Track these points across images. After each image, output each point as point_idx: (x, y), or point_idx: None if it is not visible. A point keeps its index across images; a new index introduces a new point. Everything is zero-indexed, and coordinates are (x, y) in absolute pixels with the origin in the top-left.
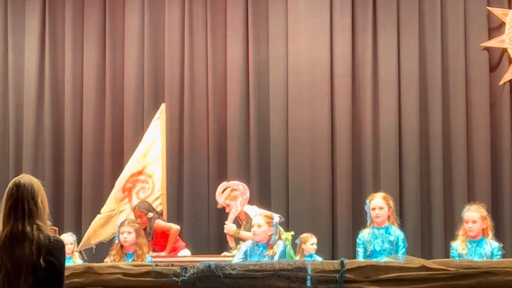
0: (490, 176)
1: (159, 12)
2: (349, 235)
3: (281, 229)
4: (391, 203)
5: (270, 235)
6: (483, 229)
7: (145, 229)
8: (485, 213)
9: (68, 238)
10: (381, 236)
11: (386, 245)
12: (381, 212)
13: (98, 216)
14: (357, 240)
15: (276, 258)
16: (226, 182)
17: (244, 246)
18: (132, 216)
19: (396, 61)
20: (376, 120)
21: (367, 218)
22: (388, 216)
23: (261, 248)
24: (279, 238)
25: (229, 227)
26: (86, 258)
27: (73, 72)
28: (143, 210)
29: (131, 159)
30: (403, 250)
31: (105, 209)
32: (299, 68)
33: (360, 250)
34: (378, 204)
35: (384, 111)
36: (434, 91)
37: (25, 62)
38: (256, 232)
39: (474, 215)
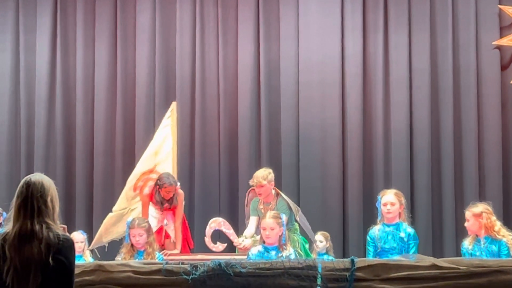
0: (501, 174)
1: (170, 10)
2: (360, 233)
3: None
4: (403, 200)
5: (281, 236)
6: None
7: (169, 200)
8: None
9: (78, 236)
10: (391, 233)
11: (397, 242)
12: (393, 208)
13: (110, 214)
14: (367, 237)
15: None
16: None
17: (253, 252)
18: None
19: (407, 60)
20: (387, 118)
21: (378, 214)
22: (399, 213)
23: (274, 251)
24: (288, 237)
25: (245, 243)
26: (99, 256)
27: (84, 70)
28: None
29: (142, 157)
30: (414, 247)
31: (116, 208)
32: (310, 67)
33: (370, 248)
34: (390, 200)
35: (395, 109)
36: (445, 89)
37: (37, 60)
38: (269, 235)
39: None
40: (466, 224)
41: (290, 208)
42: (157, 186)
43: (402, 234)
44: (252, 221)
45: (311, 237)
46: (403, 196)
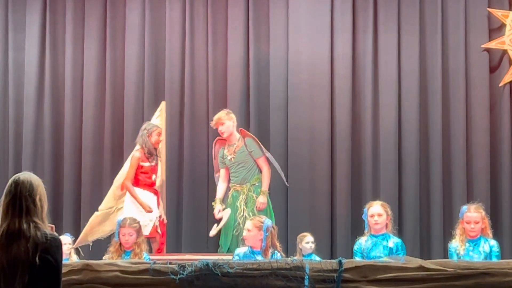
0: (489, 177)
1: (159, 10)
2: (348, 235)
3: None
4: (389, 210)
5: (261, 240)
6: (482, 228)
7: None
8: (483, 213)
9: (65, 238)
10: (380, 243)
11: (385, 253)
12: (380, 219)
13: (96, 213)
14: (354, 249)
15: None
16: None
17: (238, 252)
18: (131, 213)
19: (396, 62)
20: (376, 120)
21: (365, 226)
22: (386, 224)
23: (259, 256)
24: (273, 243)
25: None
26: (82, 254)
27: (73, 69)
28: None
29: (130, 156)
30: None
31: (103, 206)
32: (299, 68)
33: (357, 259)
34: (377, 211)
35: (384, 111)
36: (434, 92)
37: (26, 59)
38: (245, 237)
39: (476, 216)
40: (472, 226)
41: (258, 144)
42: (146, 134)
43: (391, 244)
44: (221, 176)
45: (281, 174)
46: (389, 207)
